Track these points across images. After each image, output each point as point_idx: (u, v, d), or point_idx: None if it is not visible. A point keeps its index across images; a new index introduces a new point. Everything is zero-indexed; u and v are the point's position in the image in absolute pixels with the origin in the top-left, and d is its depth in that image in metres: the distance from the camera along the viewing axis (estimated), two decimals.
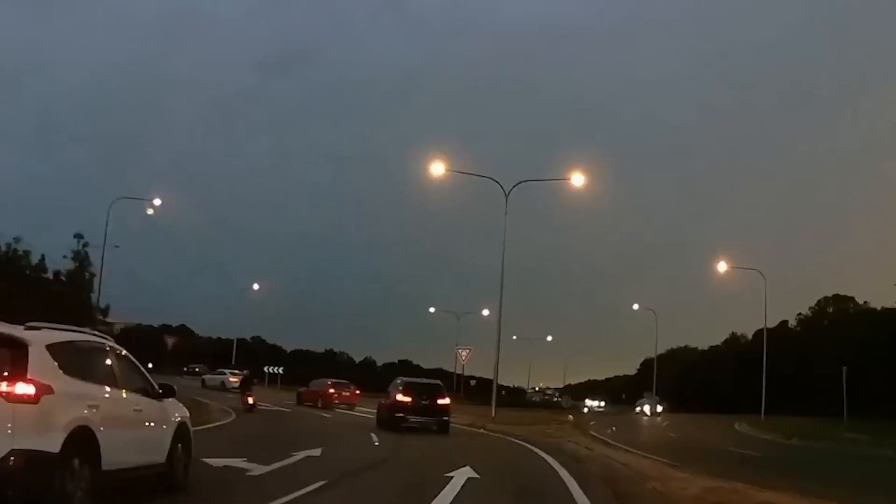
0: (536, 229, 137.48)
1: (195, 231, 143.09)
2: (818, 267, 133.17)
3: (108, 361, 8.44)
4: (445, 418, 26.02)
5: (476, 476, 13.07)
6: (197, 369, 75.22)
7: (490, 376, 53.34)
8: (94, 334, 9.02)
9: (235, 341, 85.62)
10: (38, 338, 7.24)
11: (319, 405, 42.21)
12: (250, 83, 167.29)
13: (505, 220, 38.16)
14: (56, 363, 7.12)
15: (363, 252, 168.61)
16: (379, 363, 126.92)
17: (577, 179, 38.90)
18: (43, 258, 50.71)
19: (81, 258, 47.47)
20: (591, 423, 43.36)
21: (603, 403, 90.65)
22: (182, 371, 71.92)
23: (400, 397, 26.11)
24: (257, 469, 12.29)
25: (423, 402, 25.91)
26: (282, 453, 14.65)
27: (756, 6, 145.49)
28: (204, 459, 11.92)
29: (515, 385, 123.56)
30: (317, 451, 15.78)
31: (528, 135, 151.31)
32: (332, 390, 44.37)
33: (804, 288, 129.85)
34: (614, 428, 38.14)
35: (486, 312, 73.48)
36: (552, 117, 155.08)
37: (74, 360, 7.48)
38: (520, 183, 39.21)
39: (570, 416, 58.49)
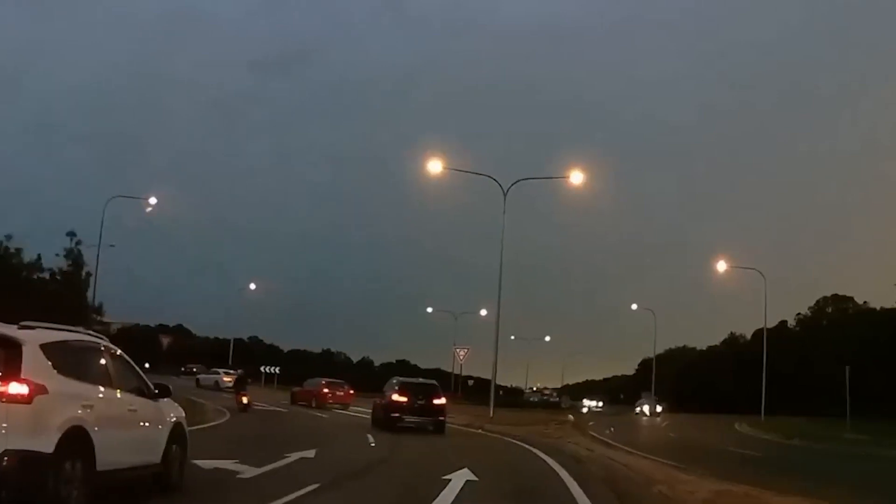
0: (535, 228, 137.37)
1: (193, 231, 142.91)
2: (817, 267, 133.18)
3: (103, 361, 8.35)
4: (441, 418, 25.88)
5: (475, 478, 12.69)
6: (194, 369, 74.68)
7: (488, 376, 52.95)
8: (89, 334, 8.89)
9: (232, 341, 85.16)
10: (32, 337, 7.18)
11: (313, 405, 41.92)
12: (250, 83, 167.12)
13: (503, 218, 37.88)
14: (50, 363, 7.06)
15: (361, 252, 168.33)
16: (376, 363, 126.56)
17: (576, 177, 38.62)
18: (39, 257, 50.31)
19: (74, 256, 47.01)
20: (590, 423, 42.99)
21: (601, 403, 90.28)
22: (180, 371, 71.38)
23: (396, 397, 25.89)
24: (249, 471, 11.92)
25: (420, 402, 25.75)
26: (275, 454, 14.27)
27: (756, 6, 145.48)
28: (194, 461, 11.51)
29: (513, 385, 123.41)
30: (311, 453, 15.36)
31: (528, 135, 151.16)
32: (326, 390, 44.02)
33: (803, 288, 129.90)
34: (612, 429, 37.75)
35: (483, 312, 73.24)
36: (552, 117, 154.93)
37: (69, 360, 7.42)
38: (518, 181, 38.99)
39: (571, 416, 58.25)
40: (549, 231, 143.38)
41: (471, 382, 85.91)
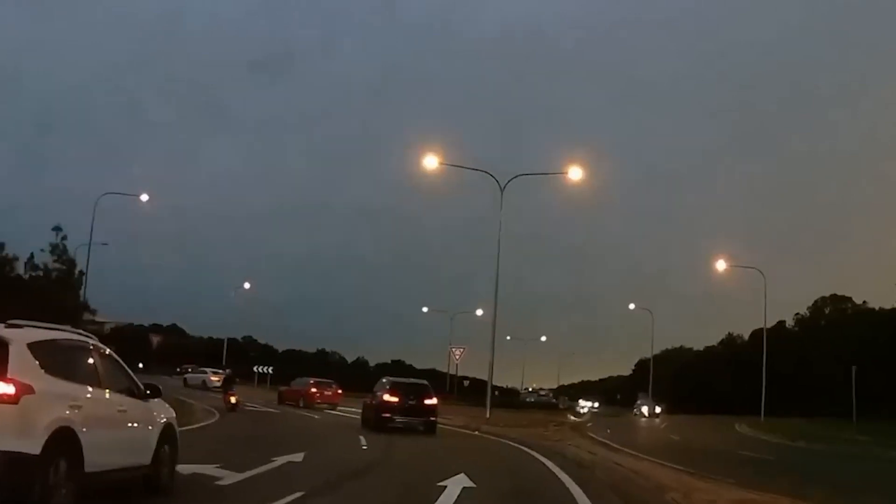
0: (534, 227, 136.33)
1: (189, 230, 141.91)
2: (815, 267, 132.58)
3: (92, 361, 8.18)
4: (433, 419, 25.56)
5: (472, 485, 11.83)
6: (189, 370, 73.93)
7: (483, 377, 52.20)
8: (77, 333, 8.64)
9: (226, 341, 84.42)
10: (19, 336, 7.06)
11: (301, 404, 41.42)
12: (244, 82, 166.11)
13: (500, 215, 37.20)
14: (37, 362, 6.95)
15: (358, 251, 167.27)
16: (371, 363, 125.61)
17: (575, 173, 37.92)
18: (32, 256, 49.70)
19: (60, 251, 46.37)
20: (588, 424, 42.23)
21: (596, 404, 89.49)
22: (175, 371, 70.53)
23: (387, 397, 25.58)
24: (229, 477, 11.08)
25: (410, 402, 25.45)
26: (261, 458, 13.41)
27: (756, 6, 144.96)
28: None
29: (509, 385, 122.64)
30: (299, 456, 14.47)
31: (528, 135, 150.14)
32: (314, 389, 43.45)
33: (801, 288, 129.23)
34: (609, 430, 36.87)
35: (480, 312, 72.75)
36: (552, 117, 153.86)
37: (56, 359, 7.30)
38: (516, 177, 38.31)
39: (571, 417, 57.61)
40: (547, 230, 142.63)
41: (466, 383, 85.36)
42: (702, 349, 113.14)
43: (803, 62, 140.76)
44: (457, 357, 55.15)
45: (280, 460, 13.58)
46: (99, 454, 7.39)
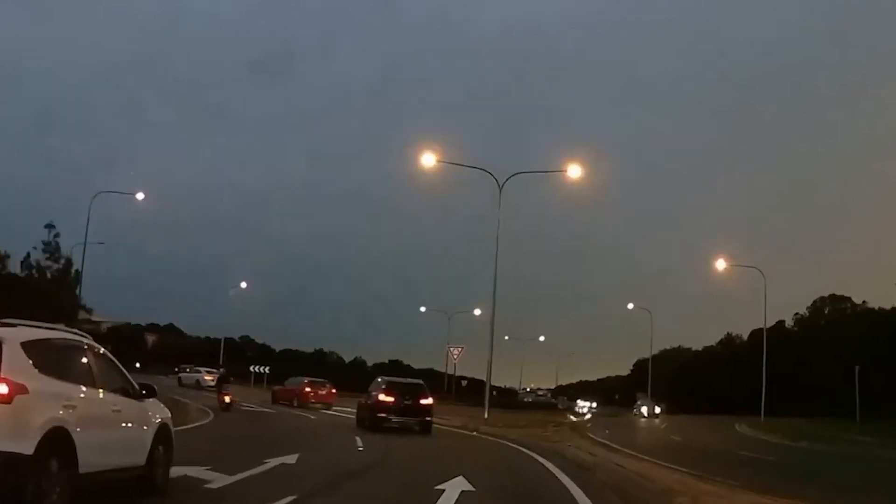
0: (533, 226, 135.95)
1: (186, 229, 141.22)
2: (813, 266, 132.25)
3: (86, 360, 8.10)
4: (428, 418, 25.48)
5: (471, 489, 11.43)
6: (187, 370, 73.54)
7: (481, 377, 51.95)
8: (72, 332, 8.59)
9: (223, 341, 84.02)
10: (13, 335, 6.98)
11: (295, 404, 41.14)
12: (244, 82, 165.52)
13: (498, 213, 36.92)
14: (31, 361, 6.87)
15: (355, 251, 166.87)
16: (369, 363, 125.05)
17: (574, 171, 37.69)
18: (28, 255, 49.32)
19: (52, 249, 46.02)
20: (588, 424, 41.87)
21: (594, 404, 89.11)
22: (173, 371, 70.14)
23: (382, 397, 25.41)
24: (219, 480, 10.69)
25: (406, 402, 25.35)
26: (253, 460, 13.02)
27: (756, 6, 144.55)
28: None
29: (507, 385, 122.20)
30: (292, 458, 14.06)
31: (528, 135, 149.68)
32: (308, 389, 43.19)
33: (800, 288, 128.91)
34: (608, 431, 36.42)
35: (478, 312, 72.52)
36: (552, 117, 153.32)
37: (50, 359, 7.23)
38: (515, 174, 38.06)
39: (572, 417, 57.26)
40: (547, 229, 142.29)
41: (464, 383, 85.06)
42: (700, 349, 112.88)
43: (803, 62, 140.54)
44: (455, 356, 54.93)
45: (273, 462, 13.20)
46: (93, 454, 7.31)
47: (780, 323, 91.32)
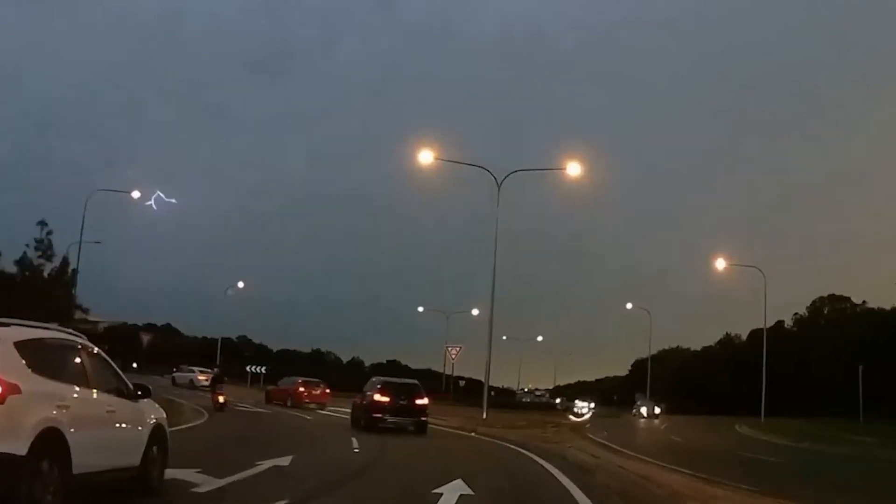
0: (532, 225, 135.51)
1: (183, 229, 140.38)
2: (813, 267, 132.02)
3: (80, 360, 8.02)
4: (423, 419, 25.39)
5: (469, 492, 10.98)
6: (184, 369, 73.08)
7: (479, 377, 51.61)
8: (66, 331, 8.47)
9: (220, 340, 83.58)
10: (6, 334, 6.96)
11: (289, 404, 40.95)
12: (244, 82, 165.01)
13: (497, 212, 36.56)
14: (24, 361, 6.81)
15: (352, 251, 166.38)
16: (367, 363, 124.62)
17: (573, 168, 37.37)
18: (25, 254, 48.94)
19: (45, 247, 45.69)
20: (587, 425, 41.46)
21: (592, 405, 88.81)
22: (171, 371, 69.76)
23: (378, 397, 25.33)
24: (208, 484, 10.26)
25: (401, 402, 25.26)
26: (245, 462, 12.56)
27: (756, 6, 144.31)
28: None
29: (505, 386, 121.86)
30: (286, 460, 13.61)
31: (528, 135, 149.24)
32: (301, 389, 42.94)
33: (799, 288, 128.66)
34: (608, 432, 35.96)
35: (476, 312, 72.24)
36: (552, 116, 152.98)
37: (44, 358, 7.17)
38: (513, 172, 37.73)
39: (571, 417, 56.89)
40: (545, 227, 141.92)
41: (462, 383, 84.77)
42: (699, 349, 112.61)
43: (803, 62, 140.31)
44: (453, 356, 54.62)
45: (266, 464, 12.75)
46: (87, 455, 7.23)
47: (780, 323, 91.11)
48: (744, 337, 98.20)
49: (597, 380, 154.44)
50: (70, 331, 8.70)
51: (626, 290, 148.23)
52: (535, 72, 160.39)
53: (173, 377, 61.99)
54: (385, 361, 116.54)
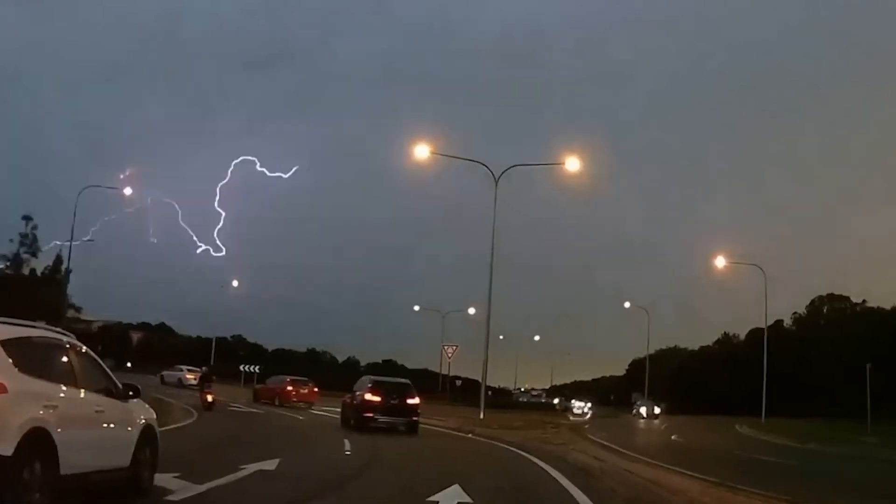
0: (526, 222, 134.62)
1: (185, 229, 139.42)
2: (812, 266, 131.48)
3: (67, 359, 7.87)
4: (415, 418, 25.18)
5: (468, 500, 10.20)
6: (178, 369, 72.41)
7: (476, 377, 50.86)
8: (53, 330, 8.29)
9: (214, 340, 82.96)
10: None
11: (277, 403, 40.59)
12: (234, 81, 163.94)
13: (494, 207, 35.87)
14: (10, 360, 6.70)
15: (348, 250, 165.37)
16: (363, 363, 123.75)
17: (572, 164, 36.78)
18: (18, 253, 48.36)
19: (29, 241, 45.10)
20: (586, 426, 40.74)
21: (589, 404, 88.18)
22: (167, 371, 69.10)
23: (369, 396, 25.05)
24: (184, 490, 9.48)
25: (393, 402, 25.06)
26: (228, 465, 11.79)
27: (756, 6, 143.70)
28: None
29: (501, 386, 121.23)
30: (272, 463, 12.79)
31: (527, 134, 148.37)
32: (290, 388, 42.61)
33: (798, 288, 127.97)
34: (608, 433, 35.14)
35: (472, 311, 71.72)
36: (551, 114, 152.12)
37: (31, 358, 7.05)
38: (511, 167, 37.17)
39: (571, 417, 56.23)
40: (538, 224, 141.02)
41: (459, 383, 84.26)
42: (697, 349, 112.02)
43: (803, 62, 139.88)
44: (449, 355, 53.97)
45: (250, 468, 11.95)
46: (75, 456, 7.10)
47: (779, 322, 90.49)
48: (742, 336, 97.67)
49: (593, 379, 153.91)
50: (58, 329, 8.52)
51: (625, 289, 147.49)
52: (536, 72, 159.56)
53: (162, 376, 61.89)
54: (381, 361, 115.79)
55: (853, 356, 65.77)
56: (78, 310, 78.80)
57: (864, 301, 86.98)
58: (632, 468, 14.33)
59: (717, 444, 31.86)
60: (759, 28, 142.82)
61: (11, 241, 46.84)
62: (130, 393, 8.90)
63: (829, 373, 71.70)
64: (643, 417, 66.32)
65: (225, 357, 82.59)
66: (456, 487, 11.05)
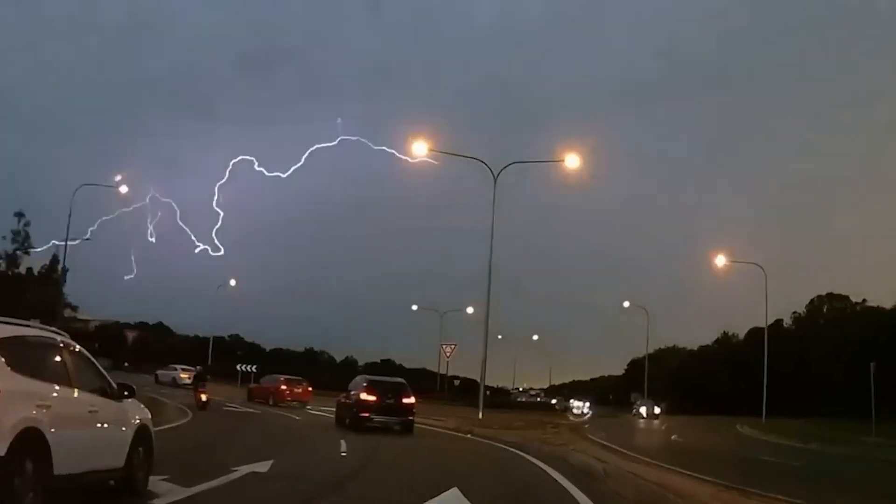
0: (527, 221, 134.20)
1: (182, 228, 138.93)
2: (811, 265, 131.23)
3: (61, 358, 7.79)
4: (410, 418, 25.16)
5: None
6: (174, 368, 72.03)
7: (474, 376, 50.45)
8: (47, 329, 8.23)
9: (212, 339, 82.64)
10: None
11: (271, 402, 40.32)
12: (227, 80, 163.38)
13: (493, 205, 35.45)
14: (3, 359, 6.64)
15: (346, 249, 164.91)
16: (361, 363, 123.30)
17: (572, 161, 36.41)
18: (15, 252, 47.97)
19: (22, 238, 44.71)
20: (586, 426, 40.34)
21: (587, 404, 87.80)
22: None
23: (364, 396, 24.98)
24: (171, 494, 9.11)
25: (388, 401, 24.98)
26: (219, 468, 11.39)
27: (756, 6, 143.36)
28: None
29: (499, 385, 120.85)
30: (265, 465, 12.36)
31: (527, 133, 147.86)
32: (283, 387, 42.44)
33: (797, 287, 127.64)
34: (608, 433, 34.70)
35: (470, 310, 71.43)
36: (551, 114, 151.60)
37: (24, 357, 6.98)
38: (510, 164, 36.79)
39: (571, 417, 55.85)
40: (537, 222, 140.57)
41: (457, 382, 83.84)
42: (696, 348, 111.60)
43: (803, 61, 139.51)
44: (447, 354, 53.61)
45: (242, 470, 11.55)
46: (68, 456, 7.03)
47: (778, 322, 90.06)
48: (741, 336, 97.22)
49: (591, 379, 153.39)
50: (52, 328, 8.43)
51: (623, 288, 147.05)
52: (534, 68, 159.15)
53: (156, 375, 62.10)
54: (379, 361, 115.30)
55: (853, 356, 65.31)
56: (75, 309, 78.41)
57: (864, 300, 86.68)
58: (636, 470, 13.89)
59: (719, 444, 31.47)
60: (759, 28, 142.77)
61: (4, 238, 46.39)
62: (125, 393, 8.82)
63: (829, 372, 71.36)
64: (643, 417, 65.88)
65: (223, 356, 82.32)
66: (454, 491, 10.66)
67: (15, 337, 7.13)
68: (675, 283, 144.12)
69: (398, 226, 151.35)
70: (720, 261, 57.57)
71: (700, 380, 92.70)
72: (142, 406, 9.62)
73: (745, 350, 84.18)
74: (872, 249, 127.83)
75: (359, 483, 12.10)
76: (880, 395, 58.34)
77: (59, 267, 48.43)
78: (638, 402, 73.21)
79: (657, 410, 69.67)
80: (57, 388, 7.33)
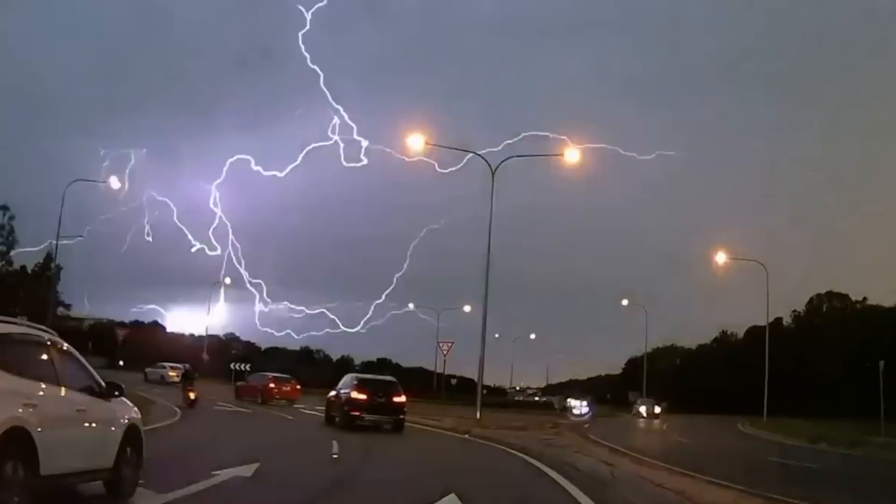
0: (526, 219, 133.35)
1: (179, 227, 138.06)
2: (811, 265, 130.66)
3: (49, 357, 7.70)
4: (401, 416, 24.97)
5: None
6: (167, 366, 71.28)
7: (471, 375, 49.73)
8: (35, 327, 8.04)
9: (207, 338, 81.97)
10: None
11: (259, 400, 39.70)
12: (225, 78, 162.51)
13: (491, 199, 34.64)
14: None
15: (344, 248, 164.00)
16: (357, 362, 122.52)
17: (571, 155, 35.86)
18: (8, 251, 47.25)
19: (6, 233, 43.96)
20: (586, 425, 39.54)
21: (585, 403, 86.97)
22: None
23: (355, 394, 24.71)
24: (143, 499, 8.58)
25: (379, 400, 24.75)
26: (200, 472, 10.58)
27: (756, 5, 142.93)
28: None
29: (496, 384, 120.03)
30: (249, 469, 11.49)
31: (526, 131, 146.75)
32: (272, 385, 41.83)
33: (796, 285, 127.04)
34: (610, 433, 33.82)
35: (467, 308, 70.98)
36: (551, 113, 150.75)
37: (10, 355, 6.91)
38: (508, 158, 36.20)
39: (571, 417, 55.10)
40: (536, 221, 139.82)
41: (454, 381, 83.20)
42: (694, 347, 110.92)
43: (804, 61, 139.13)
44: (444, 352, 52.81)
45: (224, 474, 10.74)
46: (55, 456, 6.99)
47: (778, 320, 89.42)
48: (741, 334, 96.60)
49: (589, 378, 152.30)
50: (39, 326, 8.22)
51: (622, 288, 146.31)
52: (534, 65, 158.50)
53: (145, 372, 62.02)
54: (375, 360, 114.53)
55: (853, 355, 64.94)
56: (68, 307, 77.68)
57: (864, 299, 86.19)
58: (646, 474, 13.02)
59: (726, 445, 30.66)
60: (758, 27, 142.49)
61: None
62: (115, 392, 8.70)
63: (829, 371, 70.80)
64: (643, 417, 64.93)
65: (219, 355, 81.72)
66: (452, 497, 9.84)
67: (1, 335, 6.99)
68: (674, 282, 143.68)
69: (397, 224, 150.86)
70: (720, 258, 56.86)
71: (699, 378, 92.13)
72: (131, 405, 9.40)
73: (744, 349, 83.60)
74: (872, 248, 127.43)
75: (350, 488, 11.22)
76: (884, 395, 57.84)
77: (53, 265, 47.67)
78: (638, 402, 72.27)
79: (657, 410, 68.67)
80: (44, 386, 7.21)
